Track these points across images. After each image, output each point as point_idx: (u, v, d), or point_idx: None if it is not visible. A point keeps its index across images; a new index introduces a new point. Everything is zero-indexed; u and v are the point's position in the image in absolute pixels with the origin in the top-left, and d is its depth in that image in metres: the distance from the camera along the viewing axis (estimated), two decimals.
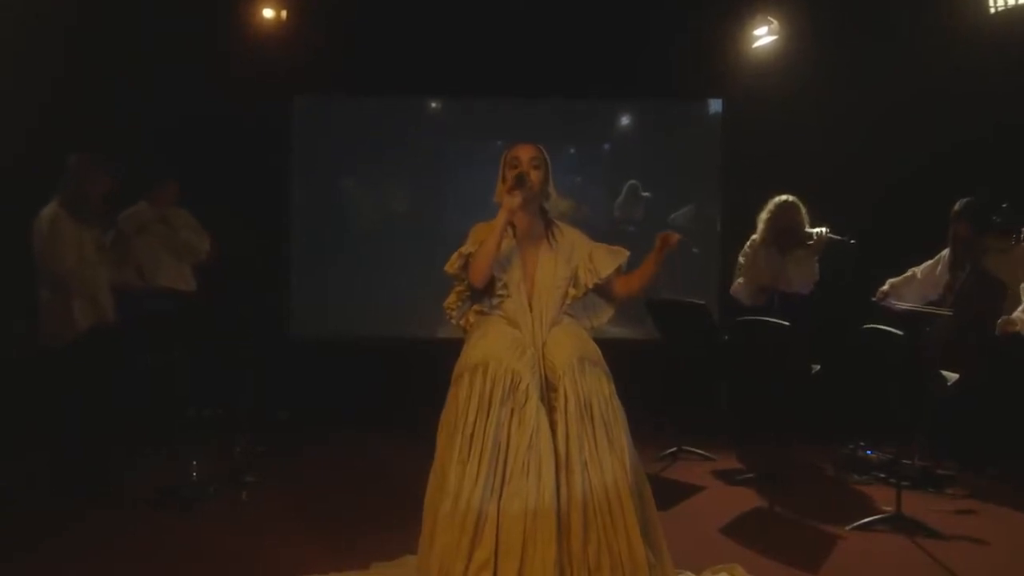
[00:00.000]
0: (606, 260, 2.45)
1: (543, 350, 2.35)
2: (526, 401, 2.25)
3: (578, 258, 2.45)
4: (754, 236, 4.32)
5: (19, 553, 2.87)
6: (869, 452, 4.01)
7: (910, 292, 4.05)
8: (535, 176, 2.38)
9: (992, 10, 4.29)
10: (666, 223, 5.29)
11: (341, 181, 5.45)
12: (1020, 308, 3.57)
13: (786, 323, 3.54)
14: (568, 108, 5.34)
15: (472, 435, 2.23)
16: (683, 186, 5.48)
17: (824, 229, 4.15)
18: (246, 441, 3.89)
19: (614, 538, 2.22)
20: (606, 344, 2.49)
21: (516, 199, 2.31)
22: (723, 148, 5.38)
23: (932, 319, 3.84)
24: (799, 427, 4.15)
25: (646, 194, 5.44)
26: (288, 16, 4.80)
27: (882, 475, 3.84)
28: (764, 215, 4.27)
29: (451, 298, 2.48)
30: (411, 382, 3.78)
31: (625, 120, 5.60)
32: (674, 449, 4.23)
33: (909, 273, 4.10)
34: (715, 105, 5.48)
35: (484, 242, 2.33)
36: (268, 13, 4.75)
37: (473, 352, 2.34)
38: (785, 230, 4.19)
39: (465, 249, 2.38)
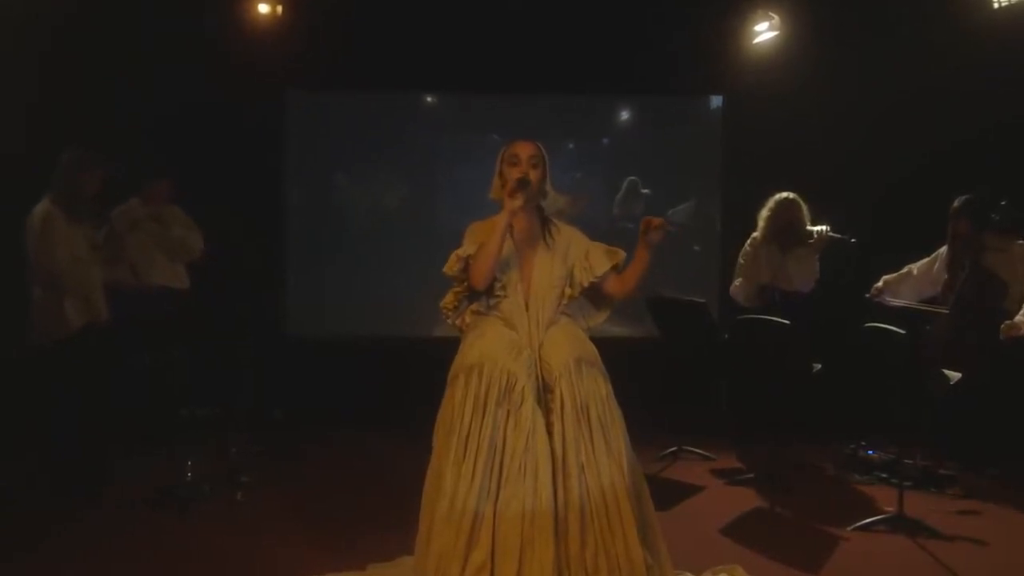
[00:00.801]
0: (602, 259, 2.43)
1: (539, 351, 2.34)
2: (522, 403, 2.24)
3: (574, 257, 2.43)
4: (754, 234, 4.29)
5: (19, 553, 2.86)
6: (870, 452, 3.99)
7: (906, 289, 4.03)
8: (533, 175, 2.36)
9: (996, 5, 4.25)
10: (664, 219, 5.27)
11: (337, 179, 5.41)
12: (1023, 312, 3.54)
13: (786, 322, 3.51)
14: (568, 104, 5.30)
15: (468, 436, 2.22)
16: (683, 183, 5.45)
17: (825, 227, 4.13)
18: (243, 441, 3.87)
19: (611, 540, 2.22)
20: (605, 343, 2.47)
21: (518, 201, 2.28)
22: (723, 145, 5.35)
23: (932, 318, 3.82)
24: (800, 427, 4.13)
25: (646, 191, 5.42)
26: (283, 10, 4.75)
27: (883, 475, 3.82)
28: (765, 212, 4.24)
29: (448, 298, 2.47)
30: (409, 381, 3.75)
31: (625, 116, 5.57)
32: (674, 449, 4.21)
33: (905, 270, 4.08)
34: (715, 101, 5.45)
35: (485, 244, 2.31)
36: (263, 8, 4.71)
37: (469, 353, 2.33)
38: (786, 228, 4.16)
39: (463, 251, 2.36)
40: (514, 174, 2.34)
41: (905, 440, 3.54)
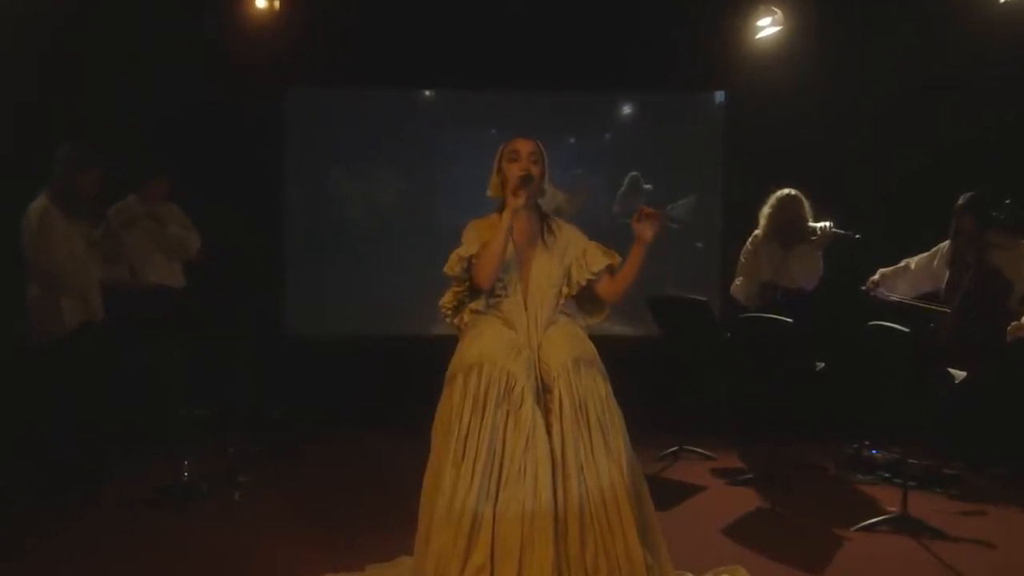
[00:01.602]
0: (599, 258, 2.41)
1: (538, 351, 2.32)
2: (522, 403, 2.23)
3: (572, 256, 2.42)
4: (756, 232, 4.26)
5: (18, 553, 2.86)
6: (874, 452, 3.96)
7: (902, 283, 4.01)
8: (534, 172, 2.34)
9: (1001, 0, 4.21)
10: (663, 211, 5.25)
11: (336, 177, 5.38)
12: None
13: (789, 320, 3.48)
14: (570, 100, 5.28)
15: (467, 436, 2.22)
16: (685, 179, 5.43)
17: (828, 223, 4.09)
18: (241, 441, 3.86)
19: (611, 541, 2.21)
20: (605, 342, 2.46)
21: (521, 199, 2.27)
22: (725, 141, 5.33)
23: (935, 316, 3.79)
24: (802, 426, 4.11)
25: (648, 187, 5.39)
26: (281, 7, 4.73)
27: (887, 475, 3.79)
28: (766, 210, 4.21)
29: (447, 297, 2.45)
30: (408, 380, 3.73)
31: (627, 112, 5.54)
32: (675, 448, 4.18)
33: (902, 264, 4.05)
34: (718, 97, 5.42)
35: (489, 244, 2.29)
36: (260, 3, 4.68)
37: (468, 352, 2.31)
38: (788, 225, 4.13)
39: (465, 251, 2.35)
40: (514, 170, 2.33)
41: (909, 440, 3.51)
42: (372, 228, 5.34)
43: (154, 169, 4.06)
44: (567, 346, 2.32)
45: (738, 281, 4.33)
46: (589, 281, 2.40)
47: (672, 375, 4.49)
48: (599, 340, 2.43)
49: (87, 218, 3.59)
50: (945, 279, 3.90)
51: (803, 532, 3.20)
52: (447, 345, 2.42)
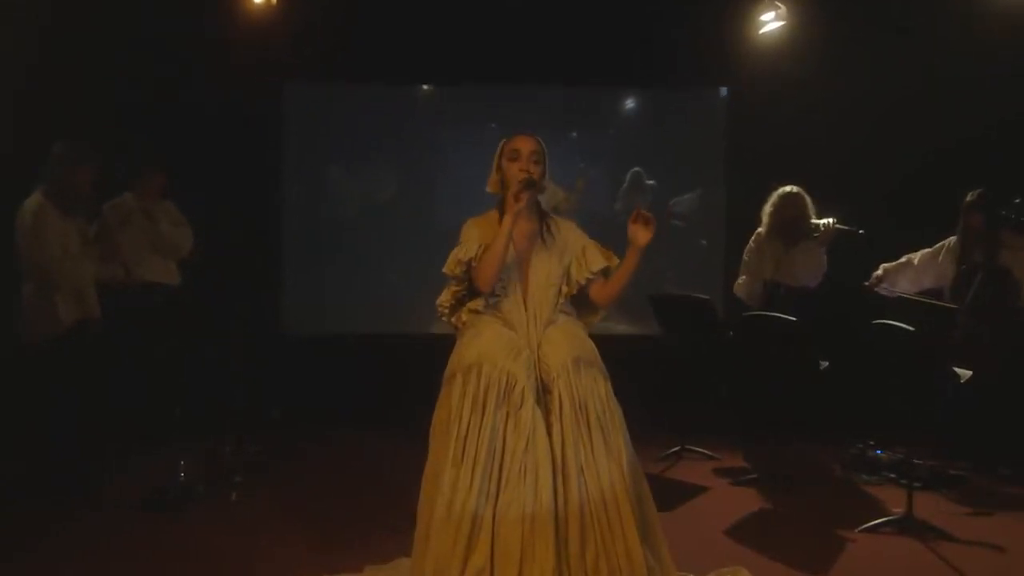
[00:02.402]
0: (598, 257, 2.39)
1: (538, 351, 2.30)
2: (522, 404, 2.20)
3: (571, 254, 2.39)
4: (759, 230, 4.22)
5: (17, 553, 2.85)
6: (878, 452, 3.92)
7: (904, 279, 3.98)
8: (535, 171, 2.32)
9: None
10: (668, 209, 5.22)
11: (334, 175, 5.35)
12: None
13: (792, 319, 3.45)
14: (572, 96, 5.26)
15: (466, 437, 2.19)
16: (687, 175, 5.40)
17: (832, 220, 4.05)
18: (239, 441, 3.83)
19: (612, 543, 2.18)
20: (605, 341, 2.43)
21: (522, 203, 2.24)
22: (728, 137, 5.30)
23: (938, 313, 3.75)
24: (806, 426, 4.07)
25: (650, 182, 5.37)
26: (278, 2, 4.69)
27: (892, 475, 3.76)
28: (768, 207, 4.18)
29: (445, 296, 2.42)
30: (408, 379, 3.71)
31: (629, 108, 5.51)
32: (677, 448, 4.15)
33: (904, 259, 4.02)
34: (721, 93, 5.38)
35: (491, 247, 2.26)
36: None
37: (467, 352, 2.28)
38: (790, 222, 4.10)
39: (464, 254, 2.32)
40: (515, 171, 2.30)
41: (914, 440, 3.48)
42: (371, 226, 5.31)
43: (149, 165, 4.03)
44: (567, 346, 2.29)
45: (741, 279, 4.29)
46: (588, 280, 2.38)
47: (673, 374, 4.46)
48: (599, 339, 2.40)
49: (82, 215, 3.56)
50: (950, 276, 3.87)
51: (806, 533, 3.17)
52: (447, 344, 2.40)
